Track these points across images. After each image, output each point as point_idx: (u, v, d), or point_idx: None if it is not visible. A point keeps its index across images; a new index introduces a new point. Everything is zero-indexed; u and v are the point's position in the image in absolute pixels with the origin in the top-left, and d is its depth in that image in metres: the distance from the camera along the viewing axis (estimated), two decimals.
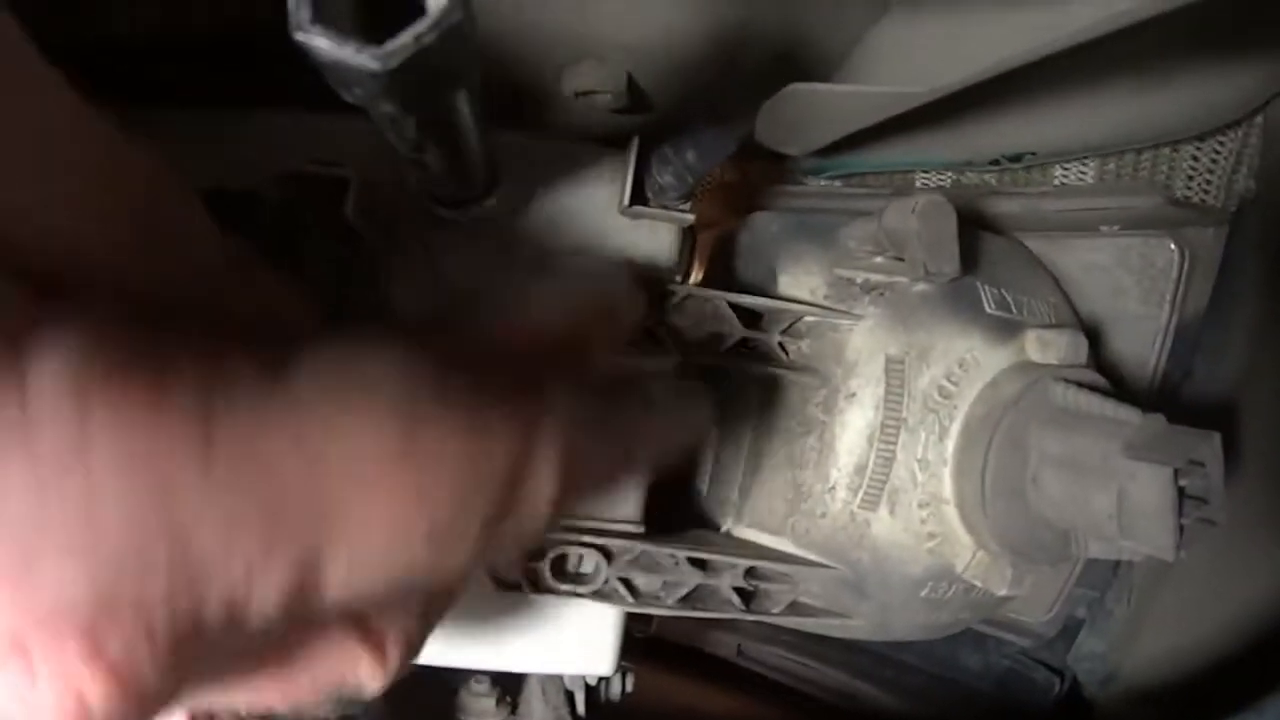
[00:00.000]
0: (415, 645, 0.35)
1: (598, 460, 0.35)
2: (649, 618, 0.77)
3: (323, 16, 0.25)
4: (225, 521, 0.23)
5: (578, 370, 0.38)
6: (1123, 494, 0.53)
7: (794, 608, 0.63)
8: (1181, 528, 0.52)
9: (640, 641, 0.77)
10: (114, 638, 0.22)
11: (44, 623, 0.21)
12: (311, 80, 0.28)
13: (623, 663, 0.67)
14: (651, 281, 0.56)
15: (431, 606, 0.37)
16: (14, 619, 0.21)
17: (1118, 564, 0.84)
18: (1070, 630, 0.86)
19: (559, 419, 0.31)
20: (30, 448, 0.21)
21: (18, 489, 0.21)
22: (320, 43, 0.25)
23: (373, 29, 0.26)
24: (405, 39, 0.26)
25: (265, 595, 0.24)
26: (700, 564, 0.60)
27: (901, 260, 0.59)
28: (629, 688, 0.77)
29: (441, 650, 0.62)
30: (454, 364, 0.30)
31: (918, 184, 0.73)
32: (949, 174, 0.72)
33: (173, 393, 0.23)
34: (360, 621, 0.32)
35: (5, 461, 0.21)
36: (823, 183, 0.72)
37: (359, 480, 0.26)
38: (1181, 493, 0.52)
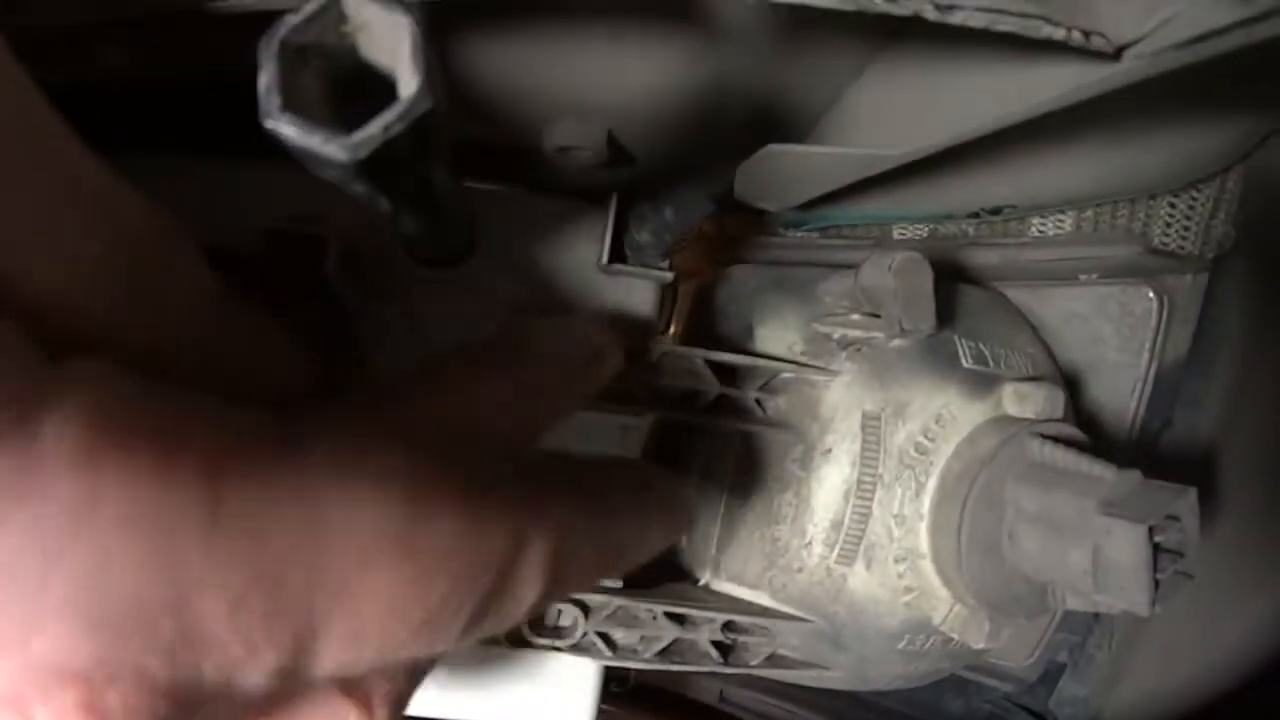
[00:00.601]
0: (402, 702, 0.36)
1: (584, 564, 0.35)
2: (627, 671, 0.77)
3: (292, 105, 0.26)
4: (228, 592, 0.23)
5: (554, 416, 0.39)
6: (1098, 550, 0.53)
7: (772, 660, 0.63)
8: (1157, 582, 0.52)
9: (620, 692, 0.77)
10: (113, 697, 0.22)
11: (44, 680, 0.21)
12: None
13: (603, 707, 0.67)
14: (630, 333, 0.56)
15: (418, 669, 0.37)
16: (15, 675, 0.21)
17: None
18: (1052, 675, 0.87)
19: (552, 520, 0.32)
20: (39, 508, 0.21)
21: (25, 548, 0.21)
22: (289, 131, 0.26)
23: (346, 110, 0.27)
24: (374, 129, 0.26)
25: (262, 664, 0.24)
26: (678, 618, 0.61)
27: (878, 317, 0.59)
28: None
29: (420, 703, 0.62)
30: (453, 444, 0.30)
31: (896, 236, 0.73)
32: (927, 226, 0.73)
33: (182, 459, 0.23)
34: (349, 682, 0.32)
35: (14, 520, 0.21)
36: (801, 235, 0.73)
37: (361, 561, 0.26)
38: (1157, 547, 0.52)
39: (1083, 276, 0.76)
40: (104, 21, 0.48)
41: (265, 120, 0.26)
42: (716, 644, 0.61)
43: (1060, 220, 0.74)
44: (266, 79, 0.26)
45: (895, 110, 0.57)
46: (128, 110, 0.66)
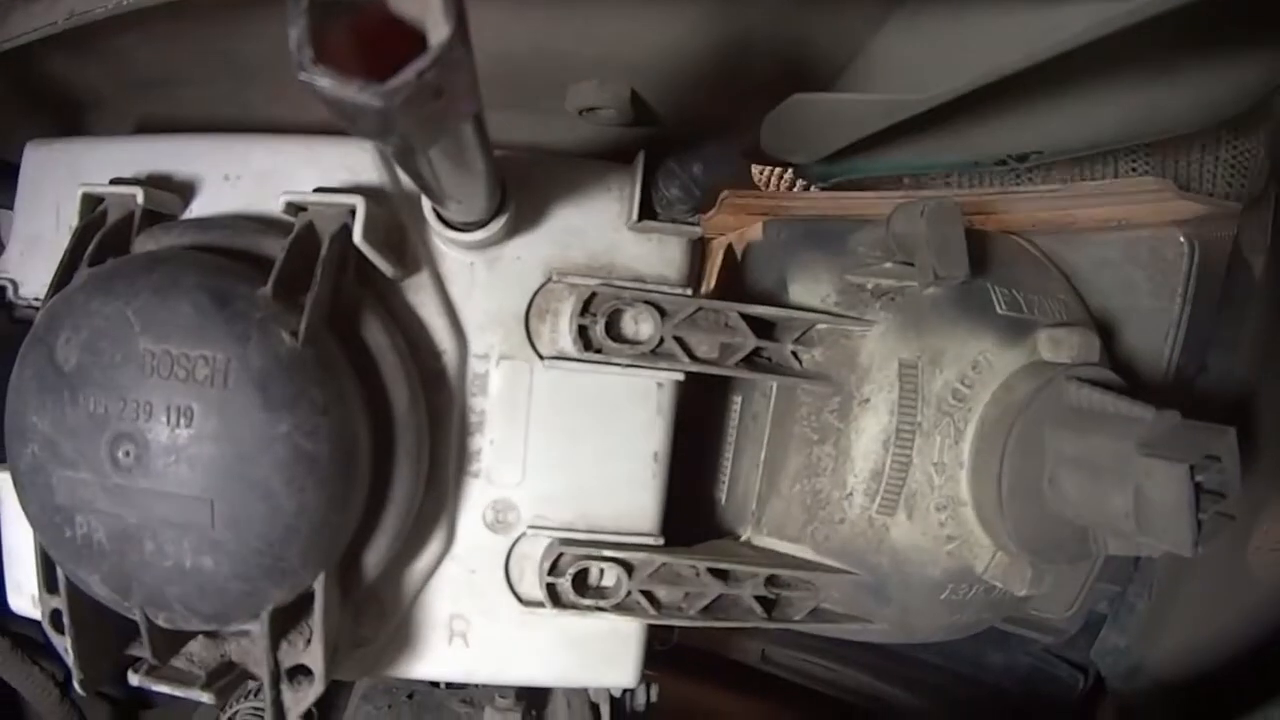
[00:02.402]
0: None
1: None
2: (671, 629, 0.78)
3: (324, 57, 0.26)
4: None
5: None
6: (1139, 492, 0.53)
7: (816, 614, 0.63)
8: (1199, 523, 0.52)
9: (664, 650, 0.77)
10: None
11: None
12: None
13: (647, 673, 0.67)
14: None
15: None
16: None
17: (1138, 558, 0.84)
18: (1092, 626, 0.86)
19: None
20: None
21: None
22: (323, 83, 0.26)
23: (375, 65, 0.27)
24: (407, 75, 0.26)
25: None
26: (721, 574, 0.61)
27: (911, 265, 0.59)
28: (654, 698, 0.78)
29: (467, 667, 0.63)
30: None
31: (925, 187, 0.73)
32: (956, 176, 0.72)
33: None
34: None
35: None
36: (830, 189, 0.72)
37: None
38: (1198, 488, 0.52)
39: (1113, 223, 0.75)
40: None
41: (299, 74, 0.26)
42: (760, 599, 0.61)
43: (1089, 167, 0.73)
44: (297, 33, 0.26)
45: (920, 56, 0.57)
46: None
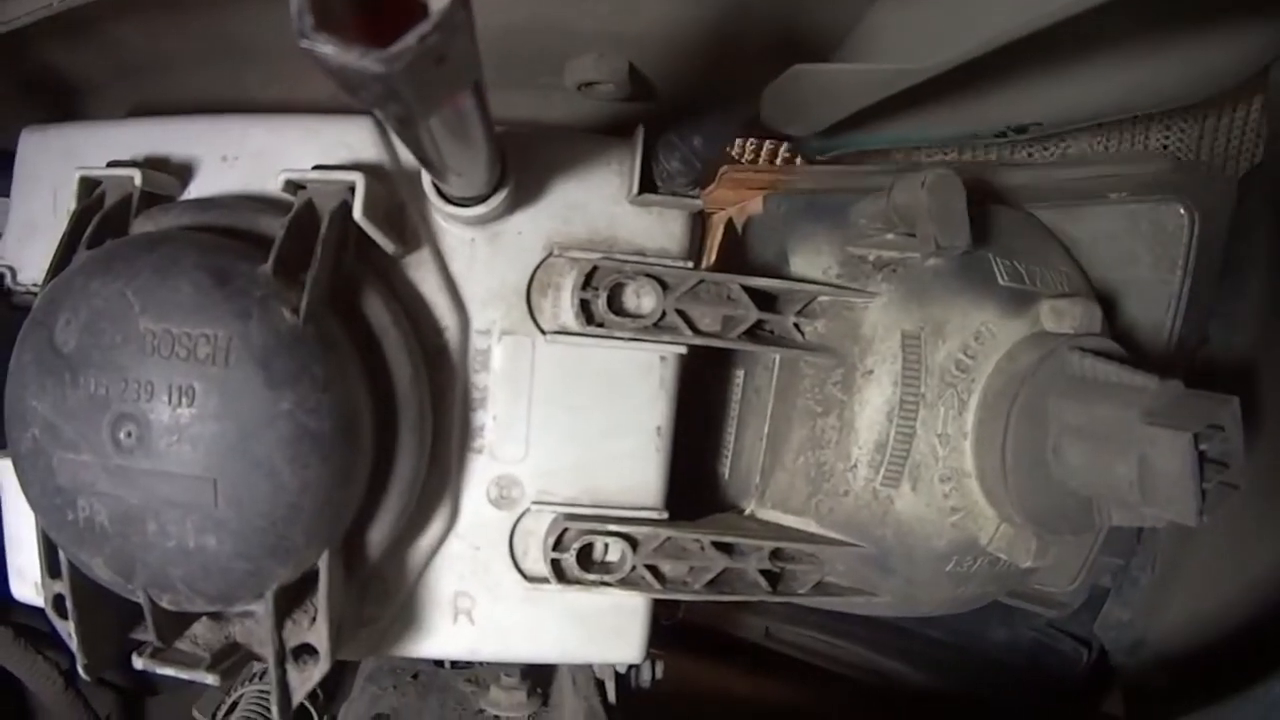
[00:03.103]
0: None
1: None
2: (676, 604, 0.78)
3: (325, 24, 0.26)
4: None
5: None
6: (1143, 461, 0.52)
7: (820, 587, 0.63)
8: (1203, 492, 0.52)
9: (669, 627, 0.77)
10: None
11: None
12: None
13: (652, 650, 0.67)
14: None
15: None
16: None
17: (1141, 531, 0.84)
18: (1096, 599, 0.86)
19: None
20: None
21: None
22: (325, 49, 0.26)
23: (376, 32, 0.26)
24: (409, 41, 0.26)
25: None
26: (726, 548, 0.61)
27: (913, 236, 0.59)
28: (659, 674, 0.78)
29: (472, 645, 0.63)
30: None
31: (925, 159, 0.72)
32: (956, 149, 0.72)
33: None
34: None
35: None
36: (829, 161, 0.72)
37: None
38: (1202, 457, 0.52)
39: (1113, 195, 0.75)
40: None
41: (300, 41, 0.26)
42: (765, 573, 0.61)
43: (1089, 139, 0.73)
44: (298, 1, 0.25)
45: (918, 26, 0.57)
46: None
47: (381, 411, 0.54)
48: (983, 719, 0.88)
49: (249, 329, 0.47)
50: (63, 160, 0.63)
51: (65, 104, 0.73)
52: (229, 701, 0.85)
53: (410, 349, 0.56)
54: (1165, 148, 0.73)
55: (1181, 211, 0.74)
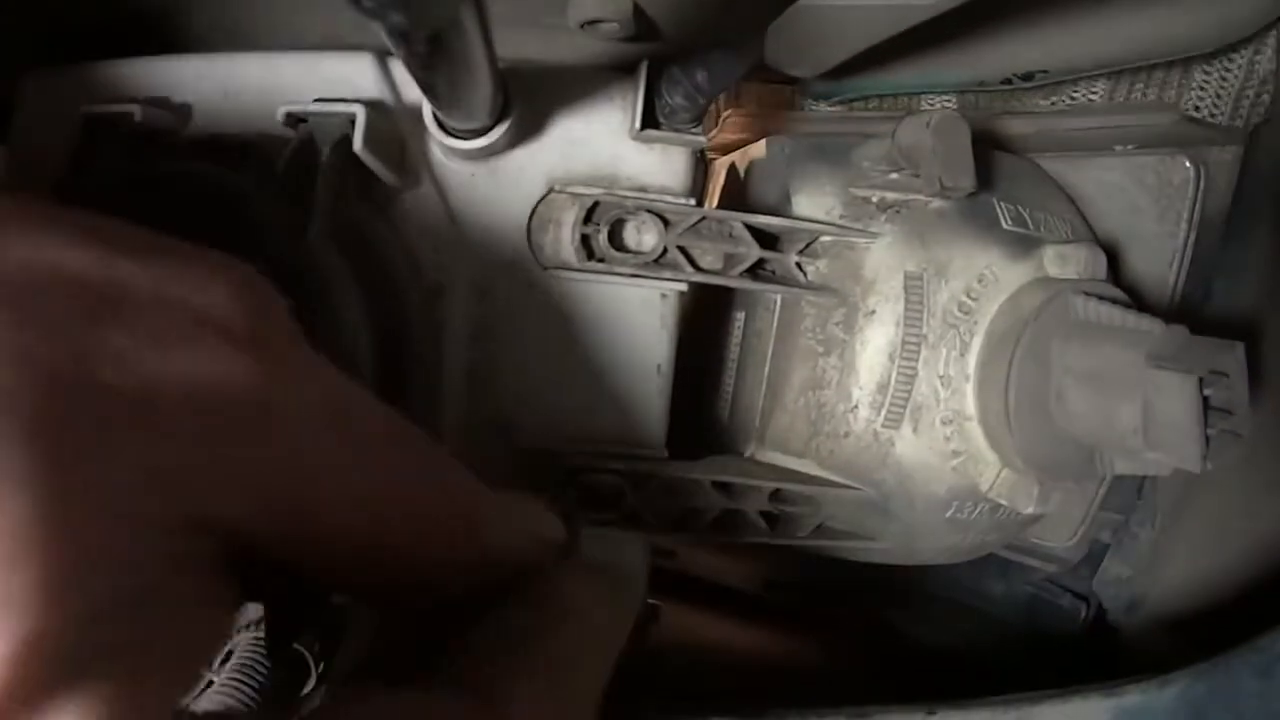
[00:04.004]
0: None
1: None
2: (673, 549, 0.77)
3: None
4: None
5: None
6: (1148, 405, 0.52)
7: (820, 531, 0.63)
8: (1207, 439, 0.52)
9: (668, 579, 0.77)
10: None
11: None
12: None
13: (650, 600, 0.67)
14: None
15: None
16: None
17: (1142, 487, 0.84)
18: (1095, 555, 0.86)
19: None
20: None
21: None
22: None
23: None
24: None
25: None
26: (725, 489, 0.61)
27: (917, 177, 0.58)
28: (659, 622, 0.78)
29: None
30: None
31: (929, 105, 0.72)
32: (961, 95, 0.72)
33: None
34: None
35: None
36: (833, 107, 0.71)
37: None
38: (1206, 403, 0.52)
39: (1119, 147, 0.74)
40: None
41: None
42: (764, 514, 0.61)
43: (1094, 89, 0.72)
44: None
45: None
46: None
47: (383, 347, 0.54)
48: (979, 672, 0.88)
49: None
50: (60, 101, 0.62)
51: (73, 47, 0.72)
52: (224, 651, 0.85)
53: (410, 284, 0.55)
54: (1174, 100, 0.72)
55: (1187, 165, 0.74)
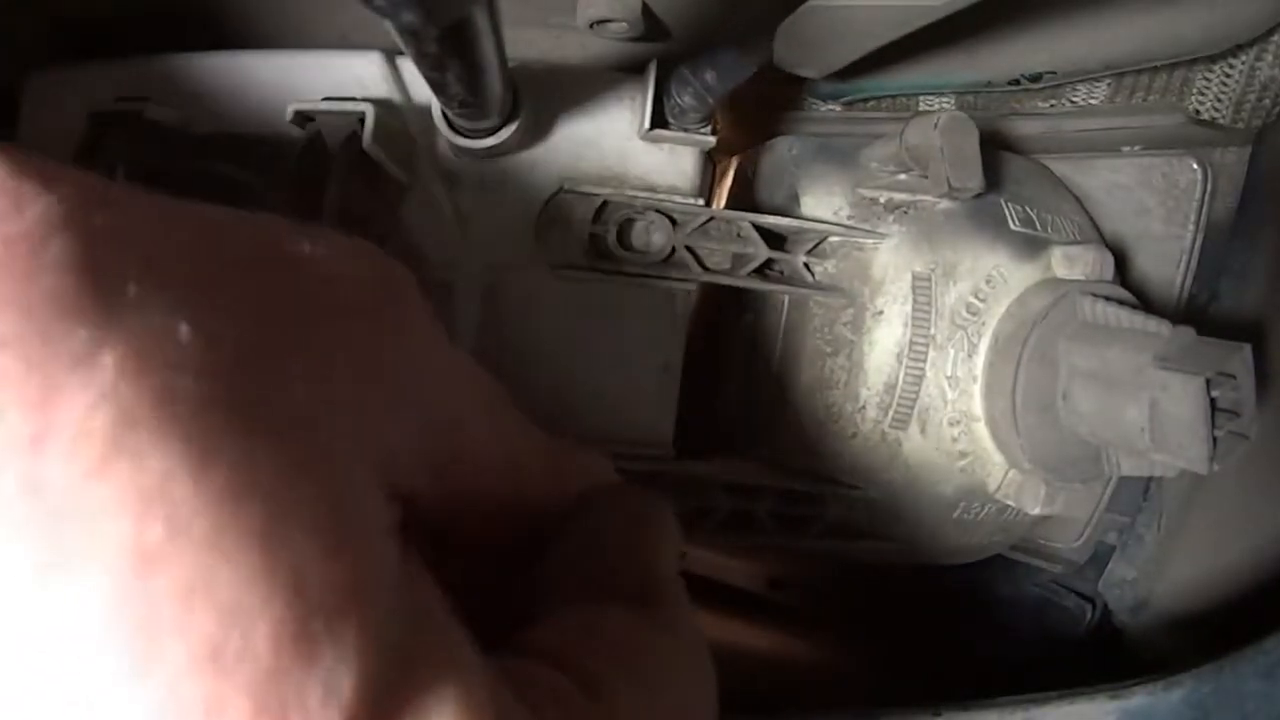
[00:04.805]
0: None
1: None
2: (683, 550, 0.77)
3: None
4: None
5: None
6: (1154, 405, 0.52)
7: (827, 532, 0.63)
8: (1214, 440, 0.52)
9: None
10: None
11: None
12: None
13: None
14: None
15: None
16: None
17: (1148, 489, 0.84)
18: (1101, 557, 0.86)
19: None
20: None
21: None
22: None
23: None
24: None
25: None
26: (734, 489, 0.61)
27: (925, 177, 0.58)
28: None
29: None
30: None
31: (936, 106, 0.72)
32: (968, 96, 0.72)
33: None
34: None
35: None
36: (841, 108, 0.71)
37: None
38: (1213, 404, 0.52)
39: (1126, 148, 0.75)
40: None
41: None
42: (772, 515, 0.61)
43: (1102, 91, 0.72)
44: None
45: None
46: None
47: None
48: (984, 673, 0.88)
49: None
50: (69, 100, 0.62)
51: (80, 45, 0.72)
52: None
53: (420, 283, 0.55)
54: (1181, 101, 0.72)
55: (1195, 166, 0.74)
